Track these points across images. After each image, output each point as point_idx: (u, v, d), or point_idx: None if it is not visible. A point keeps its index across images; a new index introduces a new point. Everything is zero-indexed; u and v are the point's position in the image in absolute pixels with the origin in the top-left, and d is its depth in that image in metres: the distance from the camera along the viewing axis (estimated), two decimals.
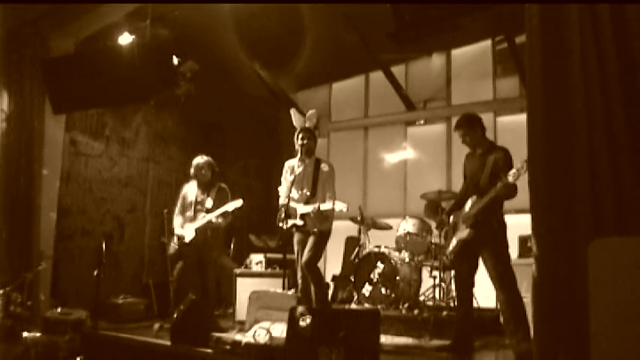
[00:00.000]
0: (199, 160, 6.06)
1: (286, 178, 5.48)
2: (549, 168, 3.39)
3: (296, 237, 5.37)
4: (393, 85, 8.82)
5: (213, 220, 5.82)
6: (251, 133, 9.77)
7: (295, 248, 5.38)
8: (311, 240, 5.21)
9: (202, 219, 5.87)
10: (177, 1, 6.65)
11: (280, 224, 5.21)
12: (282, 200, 5.34)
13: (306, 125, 5.38)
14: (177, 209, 6.14)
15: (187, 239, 5.86)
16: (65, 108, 6.53)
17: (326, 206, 5.00)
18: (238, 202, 5.83)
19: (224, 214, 5.84)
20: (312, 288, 5.19)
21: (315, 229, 5.18)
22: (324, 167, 5.36)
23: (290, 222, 5.22)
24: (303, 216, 5.21)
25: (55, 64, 6.39)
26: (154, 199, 8.12)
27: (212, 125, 8.96)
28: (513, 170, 4.17)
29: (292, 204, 5.27)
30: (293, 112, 5.48)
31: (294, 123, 5.44)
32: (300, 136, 5.36)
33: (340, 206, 4.90)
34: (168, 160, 8.42)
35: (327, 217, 5.20)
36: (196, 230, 5.88)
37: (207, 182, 6.06)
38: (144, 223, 7.98)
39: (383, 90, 9.18)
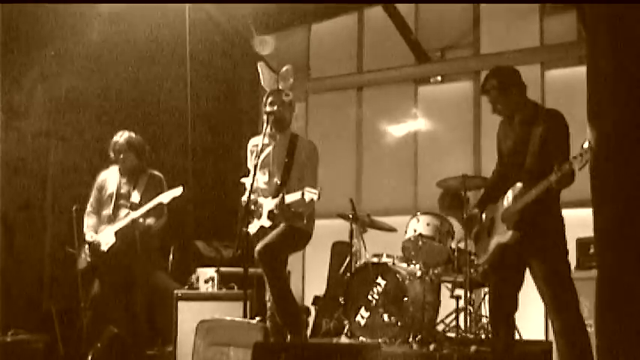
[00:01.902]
0: (119, 138, 6.03)
1: (252, 162, 5.47)
2: (620, 145, 3.39)
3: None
4: (397, 27, 8.79)
5: (141, 220, 5.80)
6: (197, 95, 9.68)
7: None
8: (276, 230, 5.21)
9: (125, 218, 5.84)
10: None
11: (243, 227, 5.19)
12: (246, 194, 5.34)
13: (279, 87, 5.36)
14: (89, 206, 6.11)
15: (104, 246, 5.82)
16: None
17: (293, 197, 4.99)
18: (177, 191, 5.87)
19: (156, 211, 5.81)
20: (268, 288, 5.19)
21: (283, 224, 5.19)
22: (303, 146, 5.35)
23: (257, 224, 5.21)
24: (270, 215, 5.20)
25: None
26: (57, 190, 8.02)
27: (141, 85, 8.86)
28: (578, 152, 4.09)
29: (260, 199, 5.27)
30: (261, 67, 5.45)
31: (263, 83, 5.42)
32: (269, 101, 5.33)
33: (309, 195, 4.88)
34: (77, 135, 8.31)
35: (300, 215, 5.19)
36: (117, 234, 5.84)
37: (132, 168, 6.03)
38: (43, 226, 7.89)
39: (384, 34, 9.16)
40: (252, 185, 5.21)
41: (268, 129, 5.35)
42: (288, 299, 5.28)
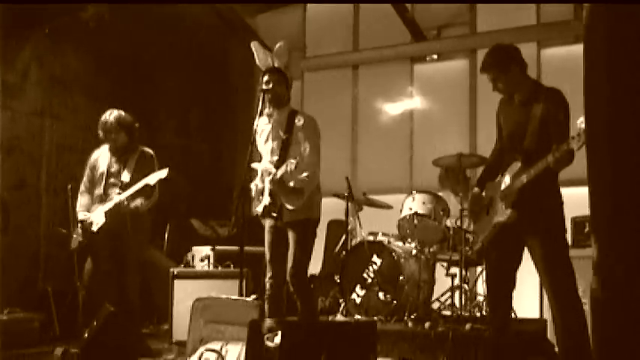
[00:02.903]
0: (107, 117, 6.00)
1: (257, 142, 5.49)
2: (617, 123, 3.36)
3: (267, 223, 5.38)
4: (394, 4, 8.75)
5: (127, 201, 5.80)
6: (191, 74, 9.66)
7: (266, 240, 5.41)
8: (291, 239, 5.22)
9: (114, 199, 5.83)
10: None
11: (239, 205, 5.21)
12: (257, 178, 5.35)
13: (275, 65, 5.33)
14: (82, 185, 6.13)
15: (94, 227, 5.83)
16: None
17: (282, 170, 4.99)
18: (162, 173, 5.85)
19: (144, 192, 5.81)
20: (299, 306, 5.27)
21: (291, 220, 5.17)
22: (299, 121, 5.32)
23: (261, 204, 5.22)
24: (271, 192, 5.20)
25: None
26: (52, 170, 8.02)
27: (134, 64, 8.83)
28: (576, 132, 4.07)
29: (266, 178, 5.28)
30: (255, 46, 5.41)
31: (258, 62, 5.39)
32: (265, 79, 5.31)
33: (290, 166, 4.88)
34: (71, 114, 8.30)
35: (299, 192, 5.17)
36: (106, 214, 5.85)
37: (123, 147, 6.02)
38: (38, 205, 7.89)
39: (380, 12, 9.12)
40: (249, 165, 5.21)
41: (266, 108, 5.33)
42: (312, 305, 5.44)
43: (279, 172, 5.01)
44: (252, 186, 5.34)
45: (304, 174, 5.05)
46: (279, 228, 5.29)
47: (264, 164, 5.34)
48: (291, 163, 4.84)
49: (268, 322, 4.42)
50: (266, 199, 5.21)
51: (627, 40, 3.36)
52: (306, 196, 5.17)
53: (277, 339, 4.03)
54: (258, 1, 9.48)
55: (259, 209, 5.25)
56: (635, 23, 3.35)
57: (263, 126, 5.39)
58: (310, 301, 5.41)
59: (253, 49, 5.42)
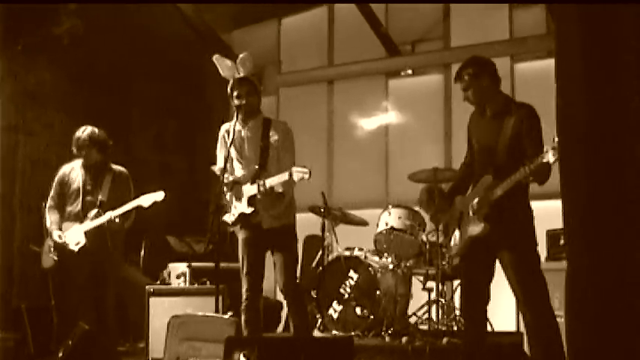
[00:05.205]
0: (81, 133, 6.02)
1: (223, 148, 5.45)
2: (590, 137, 3.39)
3: (241, 234, 5.37)
4: (368, 20, 8.79)
5: (117, 220, 5.78)
6: (166, 89, 9.63)
7: (241, 251, 5.39)
8: (276, 250, 5.23)
9: (98, 218, 5.79)
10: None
11: (223, 217, 5.21)
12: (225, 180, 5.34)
13: (241, 74, 5.31)
14: (50, 200, 6.12)
15: (74, 246, 5.79)
16: None
17: (274, 180, 5.00)
18: (158, 195, 5.84)
19: (126, 213, 5.79)
20: (291, 319, 5.32)
21: (272, 227, 5.18)
22: (276, 128, 5.35)
23: (235, 211, 5.20)
24: (251, 200, 5.20)
25: None
26: (26, 186, 7.94)
27: (109, 79, 8.79)
28: (553, 145, 4.11)
29: (243, 186, 5.29)
30: (217, 59, 5.40)
31: (223, 73, 5.38)
32: (235, 93, 5.30)
33: (299, 174, 4.90)
34: (46, 129, 8.24)
35: (280, 197, 5.18)
36: (87, 234, 5.81)
37: (96, 164, 6.02)
38: (12, 222, 7.81)
39: (354, 27, 9.15)
40: (223, 177, 5.20)
41: (240, 117, 5.34)
42: (305, 318, 5.49)
43: (271, 181, 5.02)
44: (227, 198, 5.33)
45: (282, 178, 5.07)
46: (254, 238, 5.29)
47: (238, 173, 5.34)
48: (300, 172, 4.91)
49: (243, 338, 4.39)
50: (245, 209, 5.20)
51: (601, 44, 3.38)
52: (287, 200, 5.25)
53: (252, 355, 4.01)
54: (231, 1, 9.43)
55: (231, 218, 5.24)
56: (608, 27, 3.37)
57: (235, 134, 5.37)
58: (305, 313, 5.46)
59: (216, 62, 5.40)
